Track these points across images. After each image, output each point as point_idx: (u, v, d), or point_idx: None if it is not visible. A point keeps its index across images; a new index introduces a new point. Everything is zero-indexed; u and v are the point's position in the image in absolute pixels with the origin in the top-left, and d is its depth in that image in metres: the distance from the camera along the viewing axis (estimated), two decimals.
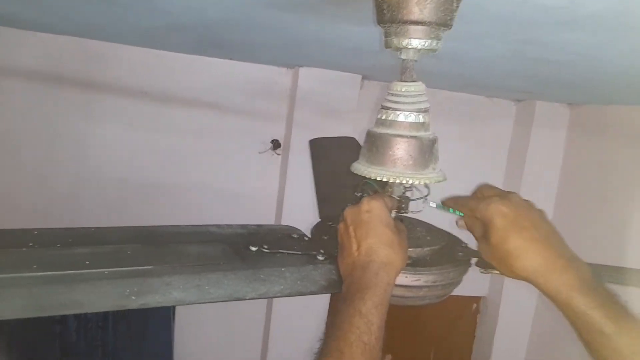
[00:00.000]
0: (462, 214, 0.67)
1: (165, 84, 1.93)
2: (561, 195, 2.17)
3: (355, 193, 0.70)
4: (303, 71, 1.93)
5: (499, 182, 2.29)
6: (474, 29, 0.89)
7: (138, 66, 1.88)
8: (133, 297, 0.42)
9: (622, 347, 0.50)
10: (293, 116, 1.97)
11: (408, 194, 0.69)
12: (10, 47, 1.76)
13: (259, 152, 2.02)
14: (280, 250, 0.57)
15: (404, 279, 0.61)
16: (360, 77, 1.95)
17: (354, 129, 1.92)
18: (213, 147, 2.01)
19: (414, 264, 0.62)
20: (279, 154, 2.03)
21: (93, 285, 0.41)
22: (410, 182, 0.62)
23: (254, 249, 0.55)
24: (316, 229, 0.69)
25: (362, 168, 0.64)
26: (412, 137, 0.63)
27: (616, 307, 0.52)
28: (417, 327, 2.38)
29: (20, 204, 1.88)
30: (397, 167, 0.63)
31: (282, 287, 0.52)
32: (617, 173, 1.88)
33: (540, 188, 2.17)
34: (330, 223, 0.70)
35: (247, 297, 0.49)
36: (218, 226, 0.58)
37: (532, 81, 1.58)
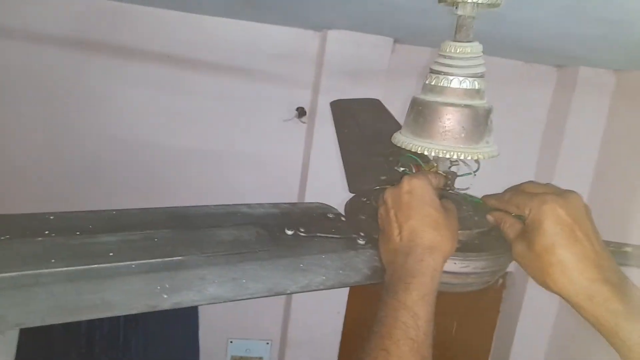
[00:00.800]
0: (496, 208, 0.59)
1: (190, 48, 1.86)
2: (600, 169, 2.06)
3: (396, 168, 0.64)
4: (332, 34, 1.83)
5: (534, 154, 2.18)
6: None
7: (164, 29, 1.82)
8: (165, 295, 0.37)
9: None
10: (320, 82, 1.88)
11: (454, 168, 0.62)
12: (29, 10, 1.71)
13: (284, 120, 1.95)
14: (317, 234, 0.51)
15: (452, 265, 0.56)
16: (392, 40, 1.84)
17: (384, 95, 1.83)
18: (237, 114, 1.96)
19: (462, 249, 0.56)
20: (304, 122, 1.97)
21: (122, 282, 0.36)
22: (462, 157, 0.56)
23: (289, 232, 0.50)
24: (351, 206, 0.63)
25: (407, 140, 0.58)
26: (465, 106, 0.56)
27: None
28: (439, 300, 2.33)
29: (43, 171, 1.88)
30: (447, 140, 0.56)
31: (324, 277, 0.46)
32: None
33: (579, 161, 2.06)
34: (364, 199, 0.64)
35: (288, 291, 0.44)
36: (249, 206, 0.53)
37: (582, 44, 1.46)
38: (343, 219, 0.58)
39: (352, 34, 1.80)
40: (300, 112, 1.95)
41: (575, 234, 0.50)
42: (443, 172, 0.61)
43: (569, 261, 0.49)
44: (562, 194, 0.52)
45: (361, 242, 0.55)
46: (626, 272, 0.51)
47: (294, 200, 2.05)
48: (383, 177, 0.68)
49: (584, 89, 2.00)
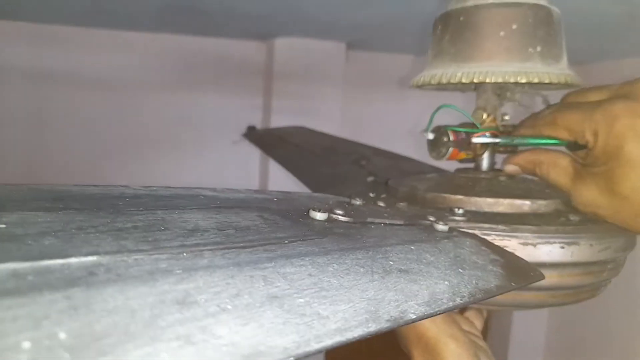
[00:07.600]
0: (516, 142, 0.38)
1: (125, 69, 1.60)
2: None
3: (424, 133, 0.40)
4: (279, 42, 1.65)
5: None
6: None
7: (94, 49, 1.55)
8: None
9: None
10: (271, 98, 1.69)
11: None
12: None
13: (233, 142, 1.71)
14: (369, 220, 0.28)
15: (547, 253, 0.33)
16: (344, 45, 1.69)
17: (342, 105, 1.66)
18: (183, 137, 1.69)
19: (541, 230, 0.33)
20: None
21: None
22: (547, 80, 0.35)
23: (320, 216, 0.26)
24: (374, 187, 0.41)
25: (450, 70, 0.37)
26: (535, 5, 0.37)
27: None
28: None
29: None
30: (515, 59, 0.36)
31: (446, 283, 0.22)
32: None
33: None
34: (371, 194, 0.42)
35: (412, 316, 0.19)
36: (213, 190, 0.28)
37: None
38: (382, 205, 0.35)
39: (301, 41, 1.63)
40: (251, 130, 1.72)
41: None
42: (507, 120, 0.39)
43: None
44: (635, 94, 0.31)
45: (442, 226, 0.31)
46: None
47: None
48: (370, 178, 0.52)
49: None
